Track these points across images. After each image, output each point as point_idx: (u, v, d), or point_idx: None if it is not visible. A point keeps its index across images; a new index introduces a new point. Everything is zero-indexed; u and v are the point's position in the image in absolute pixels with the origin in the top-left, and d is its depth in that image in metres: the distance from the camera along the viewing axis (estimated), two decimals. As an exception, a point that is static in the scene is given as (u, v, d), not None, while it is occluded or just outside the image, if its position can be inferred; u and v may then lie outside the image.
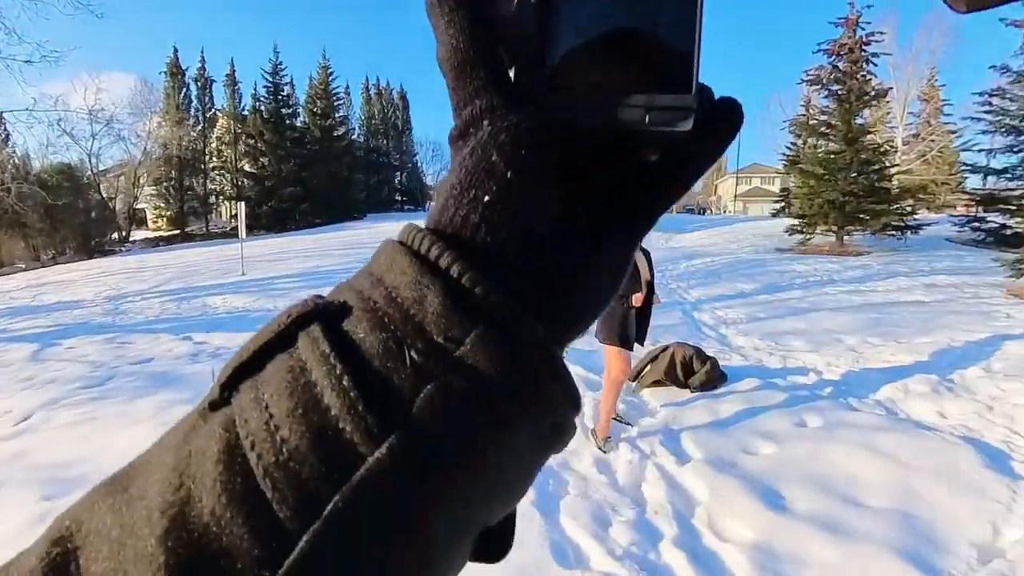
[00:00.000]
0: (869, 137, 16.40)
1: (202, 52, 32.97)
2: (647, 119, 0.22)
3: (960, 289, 9.17)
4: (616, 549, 2.33)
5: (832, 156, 15.50)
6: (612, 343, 3.81)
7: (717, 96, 0.24)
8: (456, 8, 0.22)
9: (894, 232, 15.05)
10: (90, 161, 26.80)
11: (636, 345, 3.99)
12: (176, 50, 30.39)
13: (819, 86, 16.19)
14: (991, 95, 17.42)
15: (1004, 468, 2.97)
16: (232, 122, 29.49)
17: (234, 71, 30.20)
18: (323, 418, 0.17)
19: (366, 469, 0.17)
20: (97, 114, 21.94)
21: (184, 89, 30.29)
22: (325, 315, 0.20)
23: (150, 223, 31.96)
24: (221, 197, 30.76)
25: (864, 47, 15.50)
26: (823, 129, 15.91)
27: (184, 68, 30.48)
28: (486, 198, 0.21)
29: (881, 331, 6.36)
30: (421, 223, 0.22)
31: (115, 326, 7.76)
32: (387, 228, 23.62)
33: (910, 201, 16.20)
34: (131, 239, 27.31)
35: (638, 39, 0.23)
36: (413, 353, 0.18)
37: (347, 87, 39.13)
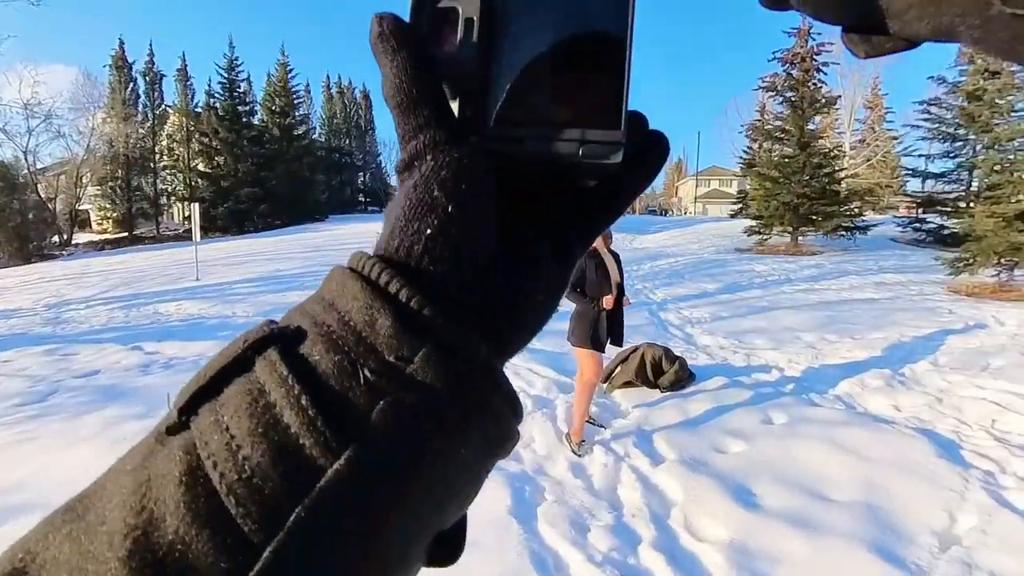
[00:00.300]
0: (820, 142, 17.19)
1: (150, 45, 31.34)
2: (580, 152, 0.24)
3: (906, 287, 9.71)
4: (595, 555, 2.32)
5: (786, 160, 16.16)
6: (584, 345, 3.82)
7: (651, 124, 0.26)
8: (399, 48, 0.23)
9: (844, 233, 15.83)
10: (26, 159, 25.04)
11: (608, 346, 4.02)
12: (122, 42, 28.77)
13: (774, 92, 16.84)
14: (929, 104, 18.60)
15: (956, 458, 3.14)
16: (184, 119, 28.10)
17: (186, 66, 28.83)
18: (283, 435, 0.18)
19: (325, 480, 0.18)
20: (34, 108, 20.52)
21: (131, 84, 28.68)
22: (281, 339, 0.21)
23: (94, 225, 30.11)
24: (173, 198, 29.25)
25: (815, 56, 16.24)
26: (778, 134, 16.56)
27: (131, 61, 28.86)
28: (428, 231, 0.23)
29: (837, 328, 6.65)
30: (369, 251, 0.24)
31: (57, 336, 7.25)
32: (350, 230, 23.07)
33: (858, 203, 17.05)
34: (74, 242, 25.67)
35: (572, 78, 0.25)
36: (366, 372, 0.20)
37: (307, 85, 38.07)
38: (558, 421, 3.97)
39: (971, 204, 17.77)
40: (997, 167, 10.05)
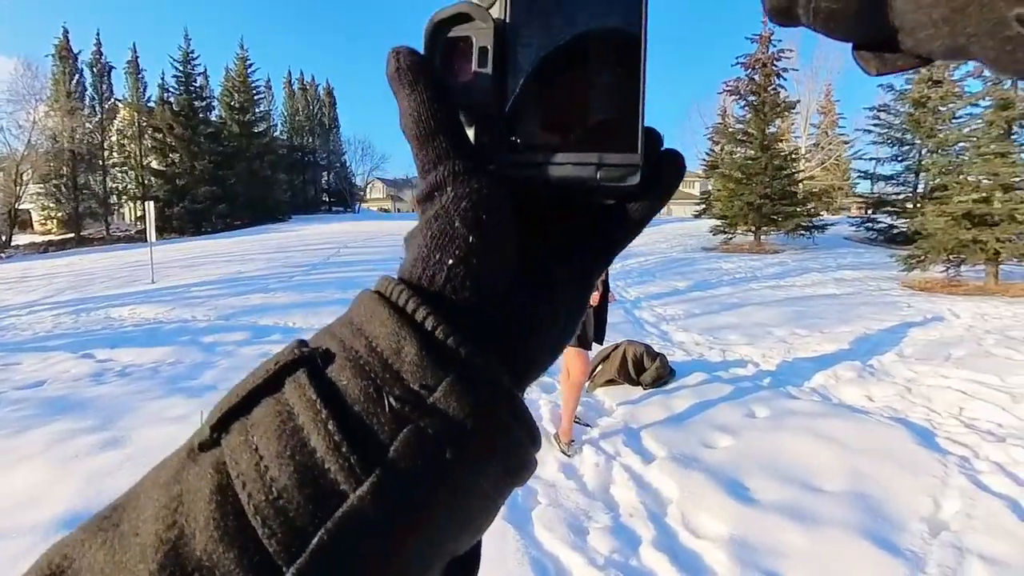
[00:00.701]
0: (779, 145, 17.81)
1: (98, 35, 29.55)
2: (599, 176, 0.24)
3: (864, 283, 10.14)
4: (597, 558, 2.25)
5: (749, 161, 16.66)
6: (571, 344, 3.76)
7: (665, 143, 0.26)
8: (416, 81, 0.24)
9: (804, 232, 16.45)
10: (-44, 154, 23.22)
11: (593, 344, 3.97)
12: (66, 31, 27.06)
13: (737, 96, 17.33)
14: (879, 110, 19.58)
15: (932, 445, 3.23)
16: (136, 114, 26.64)
17: (136, 57, 27.32)
18: (309, 459, 0.19)
19: (348, 506, 0.19)
20: (-35, 100, 18.99)
21: (77, 75, 26.97)
22: (310, 362, 0.22)
23: (37, 226, 28.15)
24: (124, 197, 27.69)
25: (776, 62, 16.81)
26: (740, 136, 17.05)
27: (76, 52, 27.18)
28: (450, 261, 0.23)
29: (806, 323, 6.85)
30: (395, 275, 0.24)
31: (-5, 344, 6.68)
32: (314, 230, 22.41)
33: (814, 204, 17.75)
34: (13, 244, 23.94)
35: (587, 102, 0.25)
36: (391, 399, 0.20)
37: (268, 81, 36.90)
38: (544, 422, 3.89)
39: (918, 205, 18.84)
40: (944, 169, 10.62)
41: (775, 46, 17.00)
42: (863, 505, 2.58)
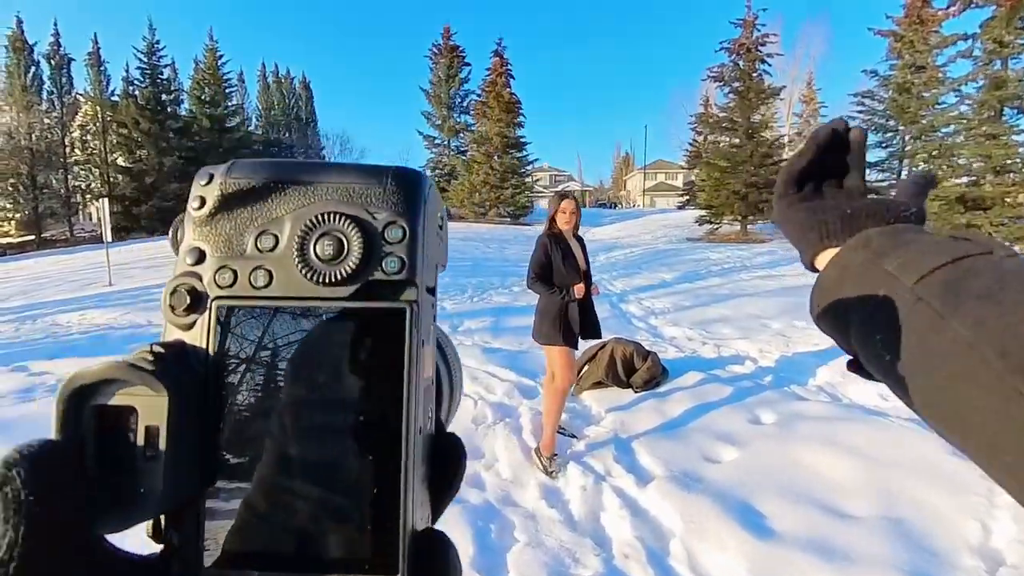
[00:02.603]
0: (764, 133, 17.55)
1: (55, 25, 27.83)
2: None
3: (856, 270, 9.85)
4: (586, 619, 1.79)
5: (735, 149, 16.36)
6: (555, 342, 3.30)
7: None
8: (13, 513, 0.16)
9: (790, 220, 16.21)
10: (-96, 153, 21.87)
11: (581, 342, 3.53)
12: (20, 20, 25.66)
13: (722, 82, 16.99)
14: (863, 96, 19.43)
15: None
16: (99, 108, 25.41)
17: (98, 49, 25.97)
18: None
19: None
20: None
21: (33, 68, 25.62)
22: None
23: (-6, 228, 26.84)
24: (88, 196, 26.44)
25: (760, 47, 16.49)
26: (726, 124, 16.73)
27: (32, 43, 25.82)
28: None
29: (803, 314, 6.47)
30: None
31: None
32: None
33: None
34: (-32, 247, 22.71)
35: (323, 502, 0.19)
36: None
37: (241, 73, 35.67)
38: (524, 433, 3.43)
39: (901, 191, 18.76)
40: (934, 152, 10.38)
41: (759, 30, 16.68)
42: (899, 533, 2.17)
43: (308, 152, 41.71)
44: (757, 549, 2.11)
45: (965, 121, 9.80)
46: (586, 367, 4.46)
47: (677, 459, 2.94)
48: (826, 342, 5.34)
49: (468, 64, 27.29)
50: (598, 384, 4.36)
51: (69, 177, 25.34)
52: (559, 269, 3.33)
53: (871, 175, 19.63)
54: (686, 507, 2.44)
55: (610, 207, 55.82)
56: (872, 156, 19.91)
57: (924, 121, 17.78)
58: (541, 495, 2.66)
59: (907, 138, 18.94)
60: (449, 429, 0.23)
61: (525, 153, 24.86)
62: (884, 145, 19.50)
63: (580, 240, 3.42)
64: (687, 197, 37.28)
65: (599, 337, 3.63)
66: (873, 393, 3.89)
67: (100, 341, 6.34)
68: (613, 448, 3.18)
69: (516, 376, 4.58)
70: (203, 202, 0.21)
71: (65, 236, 24.50)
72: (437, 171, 27.57)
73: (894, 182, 19.21)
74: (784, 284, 8.78)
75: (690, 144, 37.39)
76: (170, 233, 0.23)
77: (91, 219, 30.30)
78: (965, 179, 9.66)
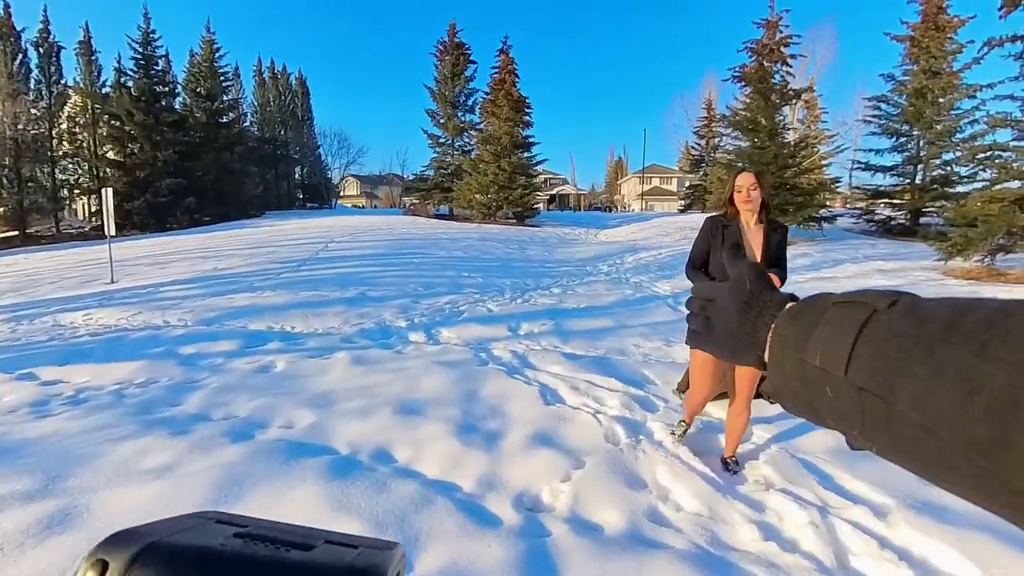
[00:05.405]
0: (788, 135, 17.27)
1: (44, 11, 26.62)
2: None
3: (909, 273, 9.49)
4: None
5: (758, 151, 16.03)
6: (693, 344, 2.79)
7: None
8: None
9: (813, 223, 15.93)
10: None
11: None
12: (8, 5, 24.48)
13: (745, 83, 16.66)
14: (879, 100, 19.29)
15: None
16: (89, 100, 24.32)
17: (89, 37, 24.91)
18: None
19: None
20: None
21: (20, 55, 24.47)
22: None
23: (-25, 223, 25.51)
24: (76, 191, 25.29)
25: (784, 47, 16.22)
26: (748, 125, 16.40)
27: (20, 29, 24.65)
28: None
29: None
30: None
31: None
32: (294, 225, 20.78)
33: (826, 195, 17.29)
34: (-54, 243, 21.47)
35: None
36: None
37: (236, 68, 34.66)
38: (682, 453, 2.86)
39: (915, 196, 18.64)
40: (981, 154, 10.08)
41: (782, 32, 16.41)
42: None
43: (304, 151, 40.76)
44: None
45: (1013, 123, 9.48)
46: (702, 376, 3.91)
47: (894, 483, 2.39)
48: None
49: (474, 62, 26.75)
50: (721, 395, 3.81)
51: (56, 171, 24.18)
52: (718, 260, 2.76)
53: (886, 179, 19.50)
54: (964, 545, 1.89)
55: (605, 211, 55.70)
56: (887, 160, 19.77)
57: (940, 127, 17.69)
58: (761, 534, 2.09)
59: (922, 143, 18.84)
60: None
61: (533, 153, 24.37)
62: (899, 149, 19.37)
63: (771, 227, 2.78)
64: (689, 201, 37.19)
65: None
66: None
67: (116, 344, 5.62)
68: (797, 469, 2.63)
69: (622, 385, 4.01)
70: None
71: (51, 232, 23.35)
72: (441, 170, 26.95)
73: (908, 185, 19.09)
74: (841, 285, 8.34)
75: (694, 147, 37.35)
76: None
77: (77, 215, 29.08)
78: (1016, 183, 9.33)
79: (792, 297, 0.45)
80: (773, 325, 0.41)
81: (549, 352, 5.05)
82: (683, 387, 3.99)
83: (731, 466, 2.72)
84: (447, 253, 12.86)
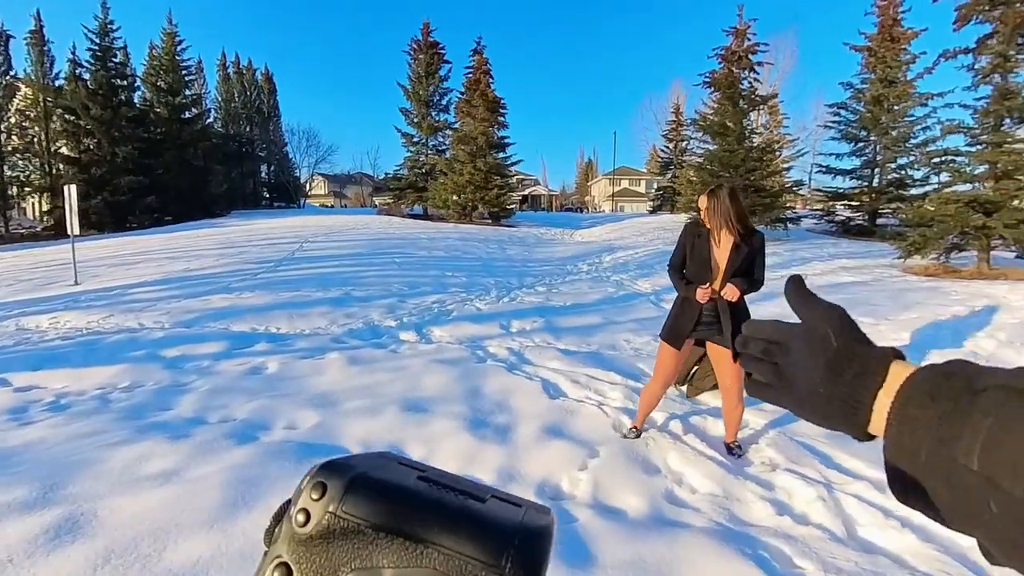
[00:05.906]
0: (755, 138, 17.91)
1: None
2: None
3: (873, 270, 9.99)
4: None
5: (727, 153, 16.56)
6: (662, 335, 3.07)
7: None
8: None
9: (780, 224, 16.57)
10: None
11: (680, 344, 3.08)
12: (-54, -7, 22.92)
13: (715, 88, 17.19)
14: (839, 107, 20.22)
15: None
16: (41, 93, 23.01)
17: (41, 27, 23.52)
18: None
19: None
20: None
21: (-38, 45, 22.97)
22: None
23: (-89, 222, 23.74)
24: (27, 189, 23.87)
25: (751, 55, 16.81)
26: (718, 129, 16.92)
27: (-40, 18, 23.16)
28: None
29: (862, 310, 6.35)
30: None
31: None
32: (262, 225, 20.20)
33: (788, 197, 17.98)
34: None
35: None
36: None
37: (199, 62, 33.44)
38: (685, 438, 2.97)
39: (872, 198, 19.62)
40: (935, 160, 10.71)
41: (749, 40, 17.01)
42: None
43: (270, 148, 39.68)
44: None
45: (968, 128, 10.13)
46: (696, 368, 4.06)
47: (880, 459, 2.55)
48: (902, 337, 5.09)
49: (448, 62, 26.63)
50: (716, 386, 3.96)
51: (4, 167, 22.77)
52: (690, 263, 3.02)
53: (845, 182, 20.45)
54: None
55: (577, 211, 56.33)
56: (847, 164, 20.74)
57: (895, 133, 18.69)
58: (774, 510, 2.20)
59: (879, 148, 19.84)
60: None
61: (508, 154, 24.45)
62: (858, 154, 20.34)
63: (743, 238, 2.82)
64: (658, 203, 38.01)
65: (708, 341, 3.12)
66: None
67: (92, 348, 5.38)
68: (798, 452, 2.77)
69: (621, 378, 4.12)
70: (307, 519, 0.21)
71: (0, 232, 21.98)
72: (415, 170, 26.71)
73: (866, 188, 20.07)
74: (815, 282, 8.72)
75: (663, 150, 38.18)
76: (269, 525, 0.22)
77: (27, 214, 27.48)
78: (967, 186, 9.96)
79: (896, 353, 0.37)
80: (893, 400, 0.34)
81: (544, 348, 5.11)
82: (680, 379, 4.13)
83: (735, 450, 2.85)
84: (428, 253, 12.78)
